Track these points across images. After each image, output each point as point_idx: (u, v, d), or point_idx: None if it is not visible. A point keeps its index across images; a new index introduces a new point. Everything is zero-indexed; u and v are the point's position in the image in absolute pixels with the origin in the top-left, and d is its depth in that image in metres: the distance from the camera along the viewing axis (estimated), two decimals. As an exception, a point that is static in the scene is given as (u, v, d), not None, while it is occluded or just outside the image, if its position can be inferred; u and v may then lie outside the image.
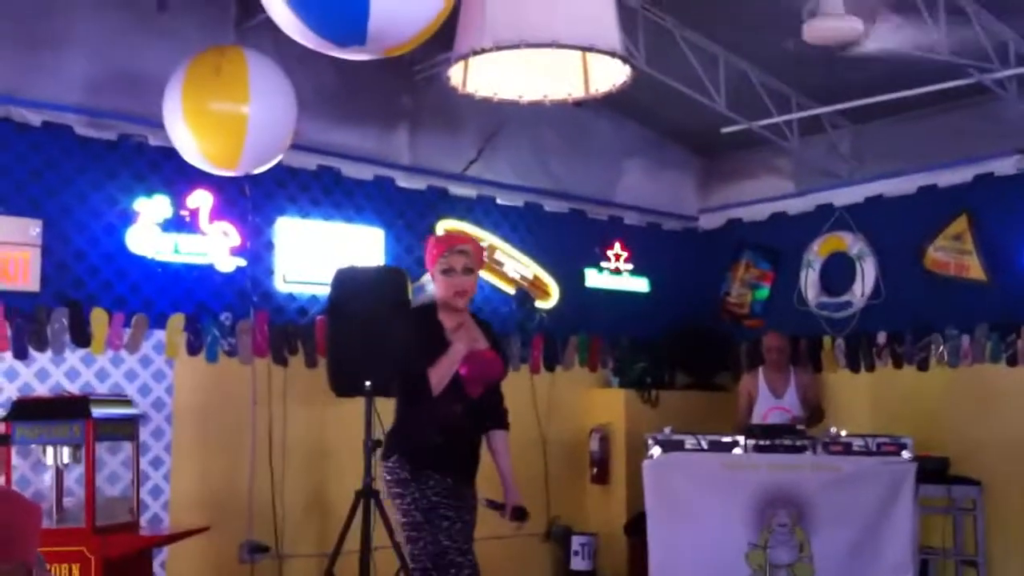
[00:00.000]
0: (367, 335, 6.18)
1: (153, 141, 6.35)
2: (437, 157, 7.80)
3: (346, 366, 6.23)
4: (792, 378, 7.55)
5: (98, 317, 6.18)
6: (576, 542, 7.72)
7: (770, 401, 7.48)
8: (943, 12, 6.14)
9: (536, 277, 8.10)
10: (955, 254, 7.55)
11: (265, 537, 6.58)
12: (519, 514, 4.41)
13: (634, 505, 7.37)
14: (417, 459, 4.19)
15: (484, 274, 7.83)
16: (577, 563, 7.69)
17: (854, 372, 8.08)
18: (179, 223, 6.45)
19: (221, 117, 5.42)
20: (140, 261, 6.34)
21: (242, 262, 6.64)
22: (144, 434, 6.01)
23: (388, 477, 4.27)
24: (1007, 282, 7.26)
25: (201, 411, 6.47)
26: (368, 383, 6.15)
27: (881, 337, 7.93)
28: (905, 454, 6.15)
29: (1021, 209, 7.24)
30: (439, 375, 4.14)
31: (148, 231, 6.33)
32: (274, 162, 5.89)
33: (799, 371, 7.71)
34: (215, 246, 6.54)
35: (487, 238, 7.89)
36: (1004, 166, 7.40)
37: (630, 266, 8.61)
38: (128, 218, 6.31)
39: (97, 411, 4.95)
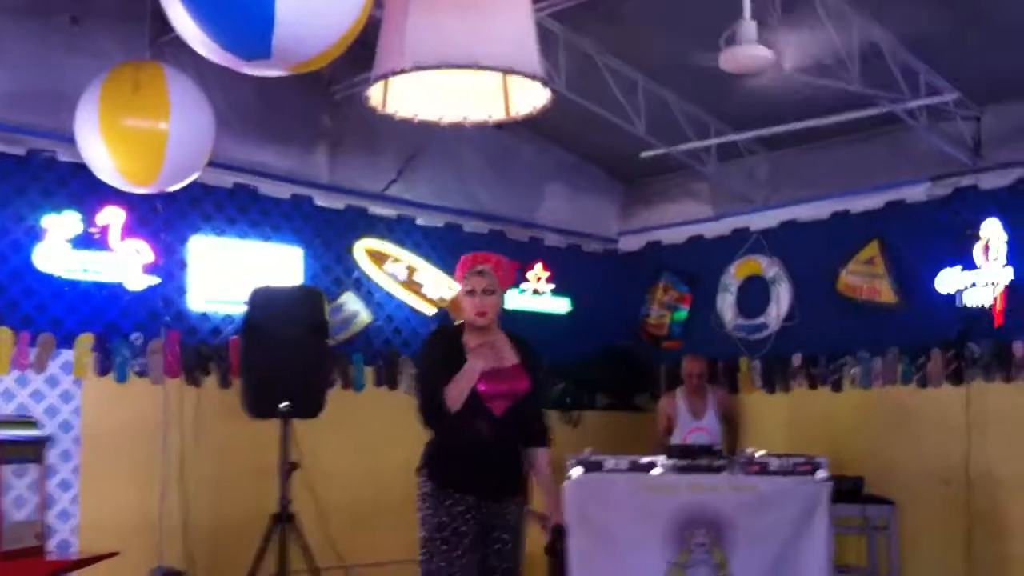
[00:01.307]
0: (284, 356, 6.12)
1: (63, 156, 6.21)
2: (357, 177, 7.75)
3: (262, 387, 6.15)
4: (710, 399, 7.62)
5: (3, 336, 6.00)
6: (495, 564, 7.65)
7: (690, 423, 7.54)
8: (856, 43, 6.29)
9: (456, 298, 8.05)
10: (867, 278, 7.71)
11: (178, 562, 6.44)
12: (557, 532, 4.39)
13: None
14: (438, 476, 4.23)
15: (404, 293, 7.79)
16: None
17: (770, 393, 8.20)
18: (89, 240, 6.30)
19: (140, 134, 5.32)
20: (48, 279, 6.19)
21: (154, 280, 6.51)
22: (51, 456, 5.89)
23: (417, 491, 4.31)
24: (917, 306, 7.44)
25: (111, 433, 6.31)
26: (284, 404, 6.09)
27: (796, 359, 8.07)
28: (820, 474, 6.21)
29: (931, 235, 7.42)
30: (454, 392, 4.14)
31: (57, 248, 6.17)
32: (191, 179, 5.79)
33: (716, 390, 7.79)
34: (126, 264, 6.40)
35: (407, 258, 7.85)
36: (915, 193, 7.60)
37: (551, 287, 8.62)
38: (36, 235, 6.16)
39: (1, 433, 4.81)
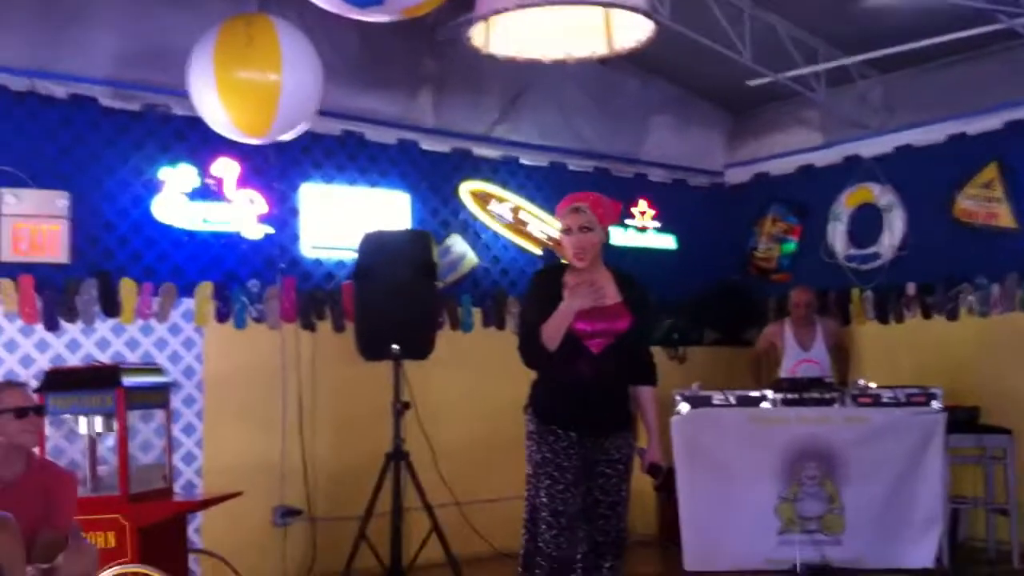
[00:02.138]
0: (394, 299, 6.26)
1: (177, 111, 6.39)
2: (461, 119, 7.78)
3: (374, 330, 6.30)
4: (819, 330, 7.50)
5: (127, 287, 6.26)
6: (606, 499, 7.73)
7: (798, 354, 7.45)
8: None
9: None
10: (984, 202, 7.46)
11: (297, 501, 6.69)
12: (654, 470, 4.43)
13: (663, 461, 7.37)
14: (541, 414, 4.29)
15: (509, 234, 7.84)
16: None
17: (883, 324, 8.03)
18: (205, 192, 6.50)
19: (254, 86, 5.47)
20: (167, 230, 6.41)
21: (269, 229, 6.69)
22: (175, 401, 6.11)
23: (525, 428, 4.37)
24: (1038, 229, 7.18)
25: (231, 378, 6.55)
26: (396, 346, 6.23)
27: (910, 288, 7.87)
28: (935, 404, 6.13)
29: (1053, 155, 7.14)
30: (549, 331, 4.15)
31: (175, 200, 6.38)
32: (302, 129, 5.92)
33: (825, 321, 7.66)
34: (241, 214, 6.59)
35: (511, 199, 7.89)
36: (1035, 112, 7.29)
37: (656, 223, 8.57)
38: (154, 188, 6.37)
39: (128, 380, 5.03)
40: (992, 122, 7.51)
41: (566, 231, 4.30)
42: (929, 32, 6.83)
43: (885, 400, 6.22)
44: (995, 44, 7.12)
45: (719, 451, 6.22)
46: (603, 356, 4.22)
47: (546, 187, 8.13)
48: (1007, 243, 7.34)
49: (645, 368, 4.45)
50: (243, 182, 6.60)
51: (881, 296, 8.05)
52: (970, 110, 7.60)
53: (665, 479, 4.83)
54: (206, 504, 5.64)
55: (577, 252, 4.26)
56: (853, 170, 8.27)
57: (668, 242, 8.65)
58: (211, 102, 5.53)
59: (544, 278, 4.47)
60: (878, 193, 8.09)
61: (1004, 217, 7.37)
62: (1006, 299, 7.34)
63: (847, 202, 8.28)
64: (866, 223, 8.18)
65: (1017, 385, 7.09)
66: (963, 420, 6.38)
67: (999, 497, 6.66)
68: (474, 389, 7.46)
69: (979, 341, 7.44)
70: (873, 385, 6.35)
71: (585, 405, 4.22)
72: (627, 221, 8.45)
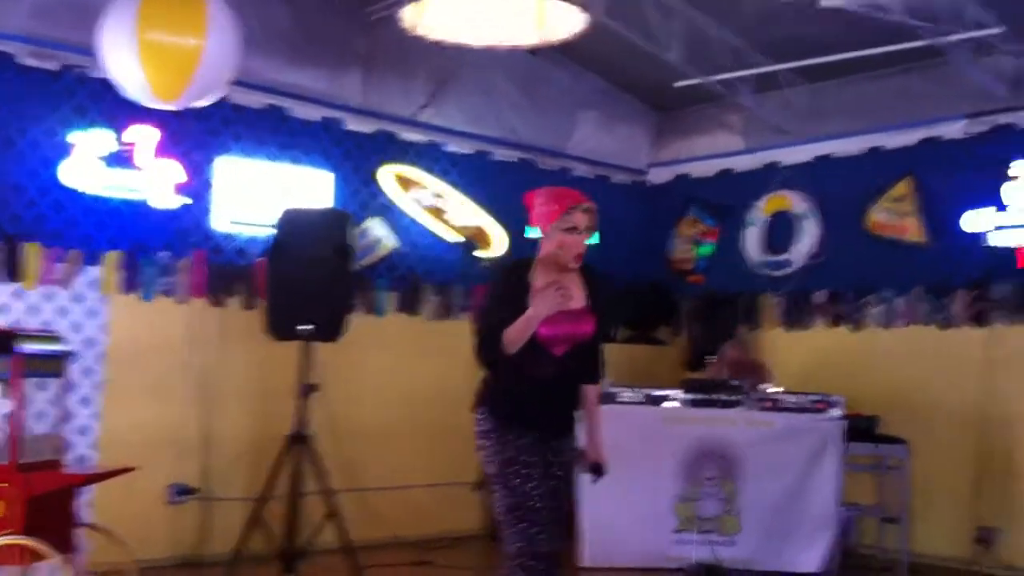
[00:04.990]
0: (308, 279, 6.17)
1: (94, 73, 6.19)
2: (388, 101, 7.71)
3: (284, 309, 6.21)
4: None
5: (32, 251, 6.10)
6: (509, 491, 7.75)
7: None
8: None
9: (482, 226, 8.07)
10: (896, 216, 7.62)
11: (194, 479, 6.60)
12: (594, 469, 4.33)
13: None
14: (500, 413, 4.12)
15: (429, 219, 7.81)
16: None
17: (790, 330, 8.18)
18: (119, 158, 6.33)
19: (176, 48, 5.33)
20: (78, 196, 6.25)
21: (183, 200, 6.55)
22: (74, 372, 5.94)
23: (475, 428, 4.22)
24: (945, 245, 7.35)
25: (134, 350, 6.42)
26: (306, 327, 6.16)
27: (818, 296, 8.03)
28: (835, 412, 6.26)
29: (965, 173, 7.28)
30: (511, 336, 3.97)
31: (87, 165, 6.21)
32: (212, 99, 5.81)
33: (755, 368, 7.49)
34: (156, 183, 6.44)
35: (434, 185, 7.85)
36: (951, 130, 7.46)
37: (577, 217, 8.58)
38: (67, 151, 6.19)
39: (24, 346, 4.88)
40: (909, 137, 7.67)
41: (571, 229, 4.07)
42: (854, 45, 6.94)
43: (788, 405, 6.34)
44: (917, 61, 7.27)
45: (624, 448, 6.25)
46: (564, 359, 4.15)
47: (470, 175, 8.11)
48: (915, 257, 7.51)
49: (595, 368, 4.37)
50: (159, 150, 6.45)
51: (790, 303, 8.19)
52: (888, 124, 7.75)
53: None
54: (98, 478, 5.51)
55: (579, 254, 4.09)
56: (772, 177, 8.39)
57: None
58: (127, 61, 5.38)
59: (509, 275, 4.20)
60: (795, 201, 8.21)
61: (914, 231, 7.53)
62: (910, 312, 7.52)
63: (764, 208, 8.40)
64: (781, 230, 8.30)
65: (916, 397, 7.27)
66: (861, 429, 6.51)
67: (891, 506, 6.81)
68: (385, 374, 7.43)
69: (882, 352, 7.61)
70: (777, 390, 6.46)
71: (544, 406, 4.10)
72: (548, 214, 8.44)
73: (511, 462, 4.04)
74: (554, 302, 3.95)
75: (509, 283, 4.12)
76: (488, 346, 4.06)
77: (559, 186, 4.60)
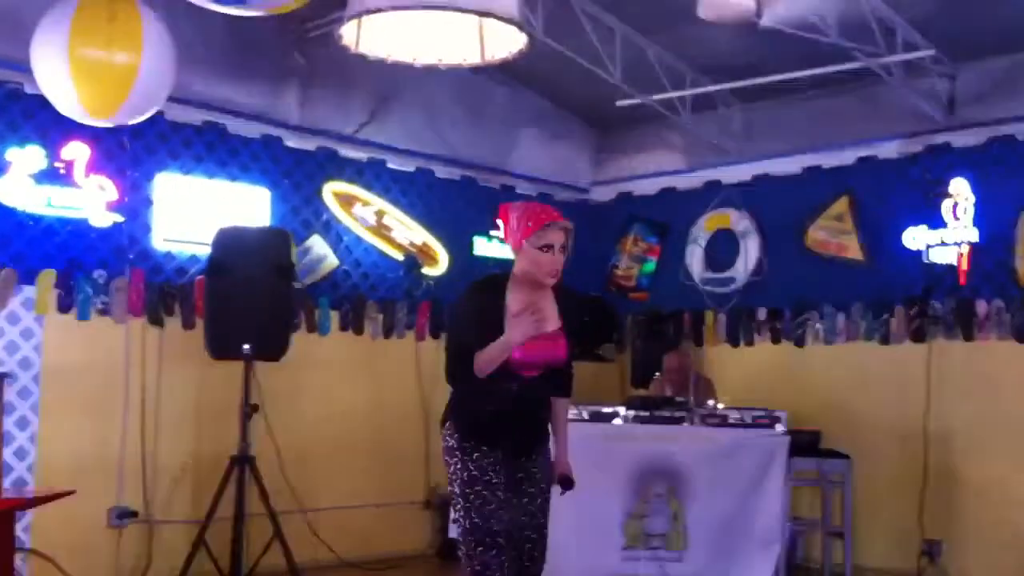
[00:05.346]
0: (248, 298, 6.10)
1: (28, 89, 6.06)
2: (328, 118, 7.65)
3: (225, 328, 6.13)
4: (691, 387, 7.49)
5: (-37, 271, 5.93)
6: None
7: None
8: (834, -5, 6.25)
9: (425, 243, 8.03)
10: (835, 234, 7.74)
11: (135, 503, 6.44)
12: (563, 482, 4.26)
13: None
14: (465, 430, 4.01)
15: (372, 237, 7.75)
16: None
17: (734, 347, 8.26)
18: (53, 175, 6.21)
19: (111, 66, 5.21)
20: (10, 213, 6.10)
21: (119, 218, 6.44)
22: (9, 393, 5.81)
23: (442, 444, 4.10)
24: (884, 263, 7.48)
25: (71, 371, 6.26)
26: (247, 346, 6.07)
27: (761, 313, 8.11)
28: (779, 428, 6.30)
29: (901, 192, 7.44)
30: (485, 361, 3.88)
31: (20, 182, 6.07)
32: (147, 116, 5.70)
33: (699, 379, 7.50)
34: (90, 200, 6.32)
35: (376, 202, 7.80)
36: (887, 150, 7.59)
37: (520, 236, 8.56)
38: (2, 169, 6.04)
39: (-43, 369, 4.75)
40: (845, 156, 7.80)
41: (546, 248, 3.94)
42: (791, 66, 7.04)
43: (732, 421, 6.36)
44: (852, 82, 7.39)
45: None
46: (535, 380, 4.05)
47: (412, 192, 8.06)
48: (854, 275, 7.62)
49: (567, 382, 4.32)
50: (94, 167, 6.34)
51: (733, 320, 8.26)
52: (825, 144, 7.88)
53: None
54: (36, 502, 5.38)
55: (554, 272, 3.99)
56: (713, 195, 8.47)
57: (531, 255, 8.67)
58: (61, 78, 5.25)
59: (482, 296, 4.08)
60: (735, 219, 8.30)
61: (853, 249, 7.65)
62: (851, 328, 7.62)
63: (706, 226, 8.48)
64: (723, 248, 8.39)
65: (857, 412, 7.37)
66: (805, 444, 6.56)
67: (836, 520, 6.88)
68: (328, 393, 7.35)
69: (823, 368, 7.71)
70: (721, 406, 6.50)
71: (512, 425, 4.02)
72: (492, 232, 8.45)
73: (474, 482, 3.95)
74: (530, 328, 3.86)
75: (482, 302, 4.02)
76: (460, 368, 3.97)
77: (533, 201, 4.52)
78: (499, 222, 4.22)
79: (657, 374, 7.69)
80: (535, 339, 3.90)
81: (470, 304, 4.07)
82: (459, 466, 3.99)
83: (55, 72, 5.24)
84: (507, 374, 3.94)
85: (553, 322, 4.02)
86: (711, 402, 6.61)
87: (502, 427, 4.00)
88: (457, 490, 4.00)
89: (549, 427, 4.22)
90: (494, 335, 3.87)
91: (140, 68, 5.23)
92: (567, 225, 3.99)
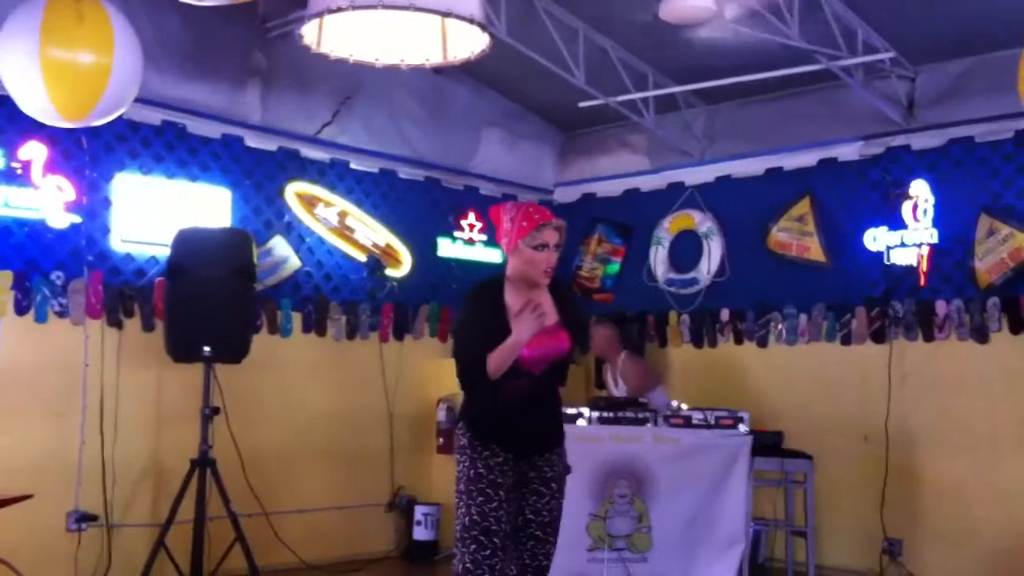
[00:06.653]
0: (208, 299, 6.05)
1: (-17, 88, 5.97)
2: (290, 118, 7.57)
3: (185, 330, 6.08)
4: (619, 365, 7.56)
5: (-84, 272, 5.83)
6: (420, 512, 7.67)
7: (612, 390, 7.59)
8: (797, -1, 6.29)
9: (388, 244, 7.99)
10: (797, 235, 7.78)
11: (94, 506, 6.34)
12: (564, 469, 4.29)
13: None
14: (475, 429, 4.09)
15: (334, 239, 7.69)
16: (420, 533, 7.65)
17: (697, 347, 8.28)
18: (9, 175, 6.13)
19: (83, 67, 5.10)
20: (-35, 214, 6.00)
21: (77, 219, 6.35)
22: (-35, 396, 5.71)
23: (455, 442, 4.18)
24: (845, 264, 7.54)
25: (29, 374, 6.17)
26: (208, 349, 6.01)
27: (724, 314, 8.14)
28: (742, 428, 6.32)
29: (861, 194, 7.51)
30: (497, 363, 3.97)
31: (-25, 183, 5.98)
32: (117, 115, 5.63)
33: (627, 357, 7.63)
34: (48, 201, 6.23)
35: (339, 203, 7.74)
36: (847, 151, 7.64)
37: (484, 236, 8.56)
38: (-45, 169, 5.96)
39: (-90, 371, 4.66)
40: (807, 158, 7.84)
41: (540, 247, 4.05)
42: (753, 67, 7.07)
43: (695, 422, 6.37)
44: (813, 84, 7.45)
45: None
46: (543, 376, 4.12)
47: (375, 193, 8.02)
48: (816, 275, 7.67)
49: (565, 371, 4.34)
50: (51, 168, 6.25)
51: (697, 321, 8.28)
52: (787, 145, 7.92)
53: None
54: (-8, 506, 5.27)
55: (548, 270, 4.10)
56: (676, 196, 8.49)
57: (495, 256, 8.65)
58: (31, 81, 5.15)
59: (483, 299, 4.17)
60: (699, 220, 8.33)
61: (815, 250, 7.69)
62: (813, 329, 7.67)
63: (670, 227, 8.50)
64: (686, 249, 8.41)
65: (819, 412, 7.42)
66: (768, 444, 6.58)
67: (798, 520, 6.91)
68: (289, 396, 7.29)
69: (786, 368, 7.75)
70: (684, 407, 6.51)
71: (522, 423, 4.08)
72: (455, 233, 8.43)
73: (479, 479, 4.02)
74: (535, 324, 3.98)
75: (483, 306, 4.12)
76: (473, 373, 4.05)
77: (526, 202, 4.59)
78: (479, 222, 4.32)
79: (606, 364, 7.72)
80: (539, 334, 4.01)
81: (472, 310, 4.18)
82: (467, 463, 4.08)
83: (24, 74, 5.12)
84: (518, 372, 4.03)
85: (551, 315, 4.13)
86: (675, 403, 6.62)
87: (516, 425, 4.07)
88: (461, 487, 4.07)
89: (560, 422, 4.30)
90: (501, 337, 3.98)
91: (112, 69, 5.15)
92: (560, 224, 4.12)
